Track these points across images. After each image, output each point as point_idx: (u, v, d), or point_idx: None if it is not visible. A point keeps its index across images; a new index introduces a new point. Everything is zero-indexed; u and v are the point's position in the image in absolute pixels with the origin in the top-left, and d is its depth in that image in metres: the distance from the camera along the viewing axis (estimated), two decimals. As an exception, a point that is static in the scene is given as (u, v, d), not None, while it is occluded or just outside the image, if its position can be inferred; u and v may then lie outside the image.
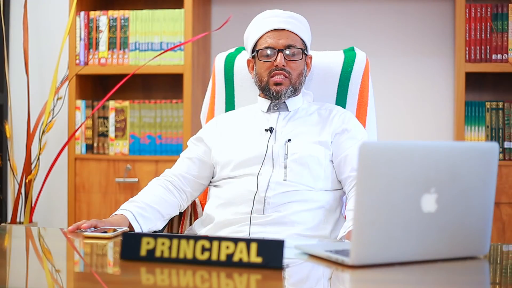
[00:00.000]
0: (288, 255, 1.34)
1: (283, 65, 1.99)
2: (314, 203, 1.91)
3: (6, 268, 1.39)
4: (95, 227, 1.72)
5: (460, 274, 1.31)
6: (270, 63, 2.02)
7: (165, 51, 2.97)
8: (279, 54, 2.00)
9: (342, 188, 2.00)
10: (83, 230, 1.70)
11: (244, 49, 2.27)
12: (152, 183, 2.03)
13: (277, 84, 2.01)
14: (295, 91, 2.04)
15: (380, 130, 2.69)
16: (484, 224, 1.36)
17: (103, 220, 1.78)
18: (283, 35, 2.02)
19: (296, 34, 2.04)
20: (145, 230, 1.87)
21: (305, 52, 2.06)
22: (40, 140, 3.17)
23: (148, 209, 1.91)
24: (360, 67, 2.20)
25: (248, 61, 2.12)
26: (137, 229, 1.84)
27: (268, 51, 2.02)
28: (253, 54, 2.08)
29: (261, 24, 2.06)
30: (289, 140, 1.98)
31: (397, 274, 1.26)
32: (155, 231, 1.93)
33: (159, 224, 1.95)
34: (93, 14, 3.28)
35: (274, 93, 2.02)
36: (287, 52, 2.01)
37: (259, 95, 2.11)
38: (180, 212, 2.08)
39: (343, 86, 2.20)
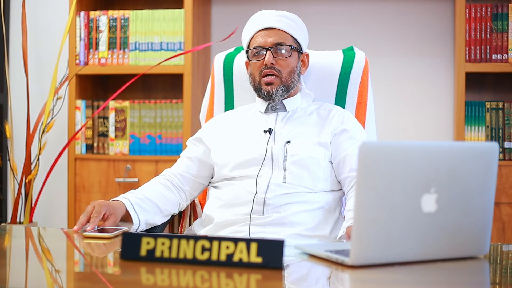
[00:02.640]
0: (288, 255, 1.34)
1: (272, 63, 2.00)
2: (314, 204, 1.91)
3: (6, 268, 1.39)
4: (97, 226, 1.73)
5: (460, 274, 1.31)
6: (260, 62, 2.02)
7: (170, 58, 2.97)
8: (268, 52, 2.00)
9: (341, 189, 2.00)
10: (84, 230, 1.70)
11: (243, 48, 2.28)
12: (152, 181, 2.04)
13: (267, 84, 2.01)
14: (287, 89, 2.04)
15: (380, 130, 2.69)
16: (484, 224, 1.36)
17: (101, 204, 1.78)
18: (272, 33, 2.03)
19: (286, 32, 2.04)
20: (142, 220, 1.87)
21: (298, 49, 2.06)
22: (40, 140, 3.17)
23: (146, 201, 1.91)
24: (359, 66, 2.20)
25: (246, 63, 2.12)
26: (134, 218, 1.83)
27: (258, 51, 2.03)
28: (247, 55, 2.09)
29: (252, 25, 2.07)
30: (288, 142, 1.98)
31: (397, 274, 1.26)
32: (153, 229, 1.93)
33: (157, 219, 1.94)
34: (93, 14, 3.28)
35: (265, 93, 2.02)
36: (276, 50, 2.01)
37: (257, 96, 2.11)
38: (179, 212, 2.09)
39: (342, 86, 2.20)
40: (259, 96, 2.08)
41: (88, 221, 1.73)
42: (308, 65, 2.13)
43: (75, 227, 1.72)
